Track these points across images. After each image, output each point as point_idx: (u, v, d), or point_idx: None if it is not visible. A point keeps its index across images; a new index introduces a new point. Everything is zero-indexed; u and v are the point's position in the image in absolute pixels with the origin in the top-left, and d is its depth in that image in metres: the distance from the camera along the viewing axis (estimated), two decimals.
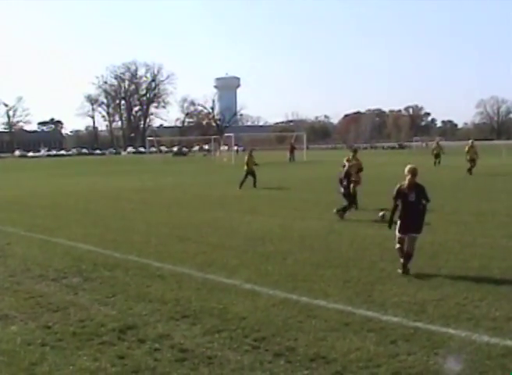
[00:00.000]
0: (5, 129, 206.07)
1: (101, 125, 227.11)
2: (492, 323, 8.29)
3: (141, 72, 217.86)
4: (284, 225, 18.15)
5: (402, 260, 11.49)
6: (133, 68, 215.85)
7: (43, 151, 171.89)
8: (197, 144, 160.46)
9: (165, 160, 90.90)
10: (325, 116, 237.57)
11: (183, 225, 18.73)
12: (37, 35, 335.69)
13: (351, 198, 20.50)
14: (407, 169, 11.63)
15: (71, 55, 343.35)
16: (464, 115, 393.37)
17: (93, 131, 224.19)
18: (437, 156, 50.13)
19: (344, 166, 20.50)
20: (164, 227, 18.28)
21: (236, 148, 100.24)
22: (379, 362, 7.02)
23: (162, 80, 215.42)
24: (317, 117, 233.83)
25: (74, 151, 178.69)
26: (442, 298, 9.59)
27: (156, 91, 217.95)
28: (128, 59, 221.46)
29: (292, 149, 74.36)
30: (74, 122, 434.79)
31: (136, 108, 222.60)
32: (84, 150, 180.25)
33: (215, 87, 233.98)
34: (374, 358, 7.14)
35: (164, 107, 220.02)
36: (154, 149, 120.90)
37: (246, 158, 34.37)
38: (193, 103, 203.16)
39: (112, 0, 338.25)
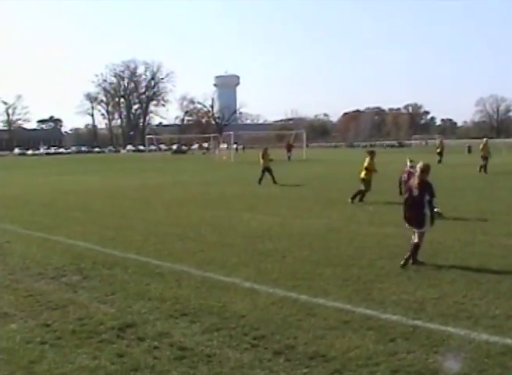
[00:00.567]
0: (5, 127, 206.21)
1: (101, 123, 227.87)
2: (491, 322, 8.29)
3: (141, 70, 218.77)
4: (283, 223, 18.14)
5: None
6: (132, 66, 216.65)
7: (42, 150, 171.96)
8: (197, 143, 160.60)
9: (165, 158, 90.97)
10: (325, 114, 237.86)
11: (183, 223, 18.72)
12: (37, 33, 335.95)
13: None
14: (418, 165, 12.11)
15: (70, 53, 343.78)
16: (464, 113, 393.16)
17: (92, 129, 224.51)
18: (440, 155, 50.33)
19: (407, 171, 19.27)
20: (163, 226, 18.27)
21: (235, 146, 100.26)
22: (378, 360, 7.02)
23: (162, 78, 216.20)
24: (316, 115, 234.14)
25: (73, 149, 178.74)
26: (442, 297, 9.59)
27: (155, 89, 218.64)
28: (127, 57, 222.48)
29: (289, 147, 74.23)
30: (73, 120, 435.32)
31: (136, 107, 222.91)
32: (83, 148, 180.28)
33: (215, 85, 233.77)
34: (373, 356, 7.14)
35: (163, 105, 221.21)
36: (153, 147, 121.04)
37: (260, 154, 34.69)
38: (192, 101, 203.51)
39: None
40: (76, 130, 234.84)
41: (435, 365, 6.87)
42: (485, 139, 41.46)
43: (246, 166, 58.21)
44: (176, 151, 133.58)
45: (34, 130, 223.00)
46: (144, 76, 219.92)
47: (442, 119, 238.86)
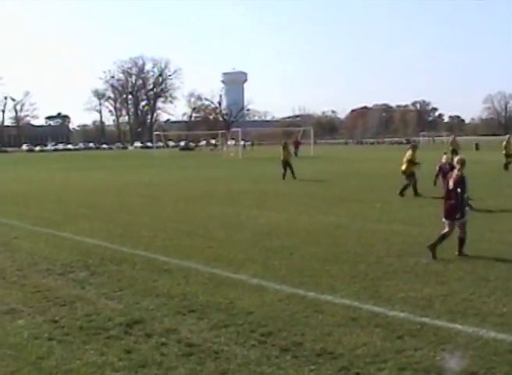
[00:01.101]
0: (13, 123, 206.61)
1: (108, 120, 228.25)
2: (499, 319, 8.27)
3: (148, 66, 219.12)
4: (291, 220, 18.14)
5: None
6: (140, 63, 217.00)
7: (50, 146, 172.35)
8: (204, 139, 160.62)
9: (172, 155, 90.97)
10: (332, 111, 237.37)
11: (190, 220, 18.73)
12: (45, 30, 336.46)
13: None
14: (456, 160, 12.65)
15: (78, 49, 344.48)
16: (472, 110, 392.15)
17: (100, 126, 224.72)
18: (453, 152, 49.92)
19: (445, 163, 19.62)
20: (171, 222, 18.29)
21: (242, 142, 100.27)
22: (386, 357, 7.01)
23: (169, 75, 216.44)
24: (324, 112, 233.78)
25: (81, 145, 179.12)
26: (449, 294, 9.57)
27: (163, 85, 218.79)
28: (135, 54, 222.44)
29: (297, 144, 74.13)
30: (81, 116, 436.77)
31: (144, 103, 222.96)
32: (91, 144, 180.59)
33: (222, 81, 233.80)
34: (380, 353, 7.13)
35: (171, 102, 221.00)
36: (161, 144, 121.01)
37: (281, 150, 35.34)
38: (200, 98, 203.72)
39: None
40: (84, 126, 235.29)
41: (442, 362, 6.87)
42: (507, 136, 40.56)
43: (254, 163, 58.23)
44: (183, 148, 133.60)
45: (42, 126, 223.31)
46: (151, 73, 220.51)
47: (450, 116, 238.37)
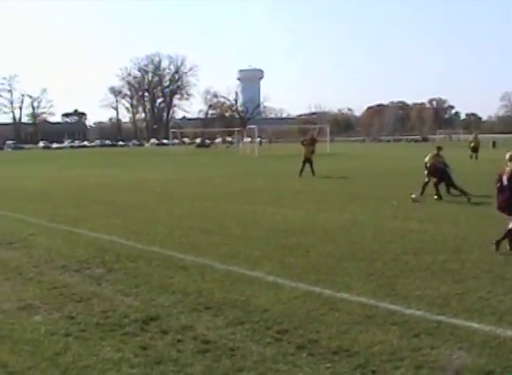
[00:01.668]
0: (30, 120, 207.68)
1: (125, 117, 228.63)
2: None
3: (164, 64, 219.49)
4: (307, 217, 18.12)
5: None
6: (156, 60, 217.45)
7: (66, 143, 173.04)
8: (220, 137, 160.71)
9: (188, 152, 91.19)
10: (348, 109, 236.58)
11: (206, 217, 18.75)
12: (62, 27, 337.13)
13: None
14: (507, 156, 12.62)
15: (95, 47, 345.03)
16: (489, 108, 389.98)
17: (116, 123, 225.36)
18: (474, 150, 49.51)
19: None
20: (187, 219, 18.31)
21: (259, 140, 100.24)
22: (402, 355, 6.99)
23: (185, 72, 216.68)
24: (340, 109, 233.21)
25: (97, 142, 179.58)
26: (466, 292, 9.52)
27: (179, 82, 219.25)
28: (151, 51, 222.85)
29: (313, 142, 74.00)
30: (97, 114, 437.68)
31: (160, 100, 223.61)
32: (107, 142, 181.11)
33: (238, 79, 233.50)
34: (397, 351, 7.11)
35: (187, 99, 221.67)
36: (177, 141, 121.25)
37: (303, 147, 36.49)
38: (216, 95, 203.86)
39: None
40: (100, 123, 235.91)
41: (459, 361, 6.83)
42: None
43: (270, 160, 58.22)
44: (199, 145, 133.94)
45: (59, 123, 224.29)
46: (167, 70, 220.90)
47: (467, 114, 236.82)
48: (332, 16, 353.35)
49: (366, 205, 20.72)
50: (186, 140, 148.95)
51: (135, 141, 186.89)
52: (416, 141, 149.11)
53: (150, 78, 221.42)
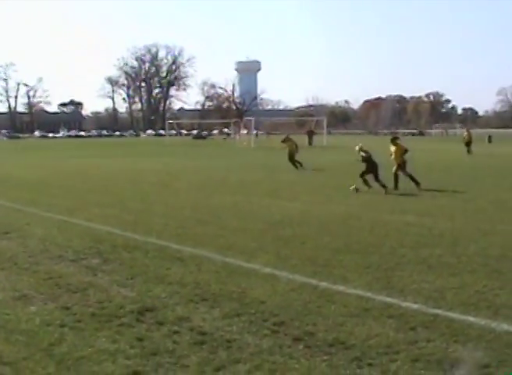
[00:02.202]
0: (26, 110, 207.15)
1: (121, 107, 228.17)
2: (511, 312, 8.23)
3: (162, 54, 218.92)
4: (303, 209, 18.12)
5: None
6: (154, 50, 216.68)
7: (62, 132, 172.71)
8: (217, 128, 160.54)
9: (185, 143, 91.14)
10: (346, 101, 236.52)
11: (203, 208, 18.74)
12: (58, 16, 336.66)
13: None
14: None
15: (92, 36, 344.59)
16: (485, 102, 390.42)
17: (112, 113, 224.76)
18: (467, 144, 50.18)
19: None
20: (183, 210, 18.29)
21: (255, 131, 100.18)
22: (399, 348, 6.99)
23: (183, 63, 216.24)
24: (337, 102, 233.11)
25: (94, 132, 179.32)
26: (462, 286, 9.52)
27: (176, 73, 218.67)
28: (149, 41, 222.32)
29: (311, 134, 74.08)
30: (94, 103, 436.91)
31: (157, 91, 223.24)
32: (104, 132, 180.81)
33: (236, 70, 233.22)
34: (393, 344, 7.10)
35: (184, 90, 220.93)
36: (173, 132, 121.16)
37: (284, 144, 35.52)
38: (213, 86, 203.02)
39: None
40: (97, 113, 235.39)
41: (455, 354, 6.83)
42: None
43: (266, 152, 58.20)
44: (196, 137, 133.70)
45: (55, 113, 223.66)
46: (165, 61, 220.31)
47: (464, 109, 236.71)
48: (330, 9, 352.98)
49: (362, 198, 20.74)
50: (183, 131, 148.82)
51: (131, 132, 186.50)
52: (413, 134, 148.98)
53: (147, 68, 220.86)
